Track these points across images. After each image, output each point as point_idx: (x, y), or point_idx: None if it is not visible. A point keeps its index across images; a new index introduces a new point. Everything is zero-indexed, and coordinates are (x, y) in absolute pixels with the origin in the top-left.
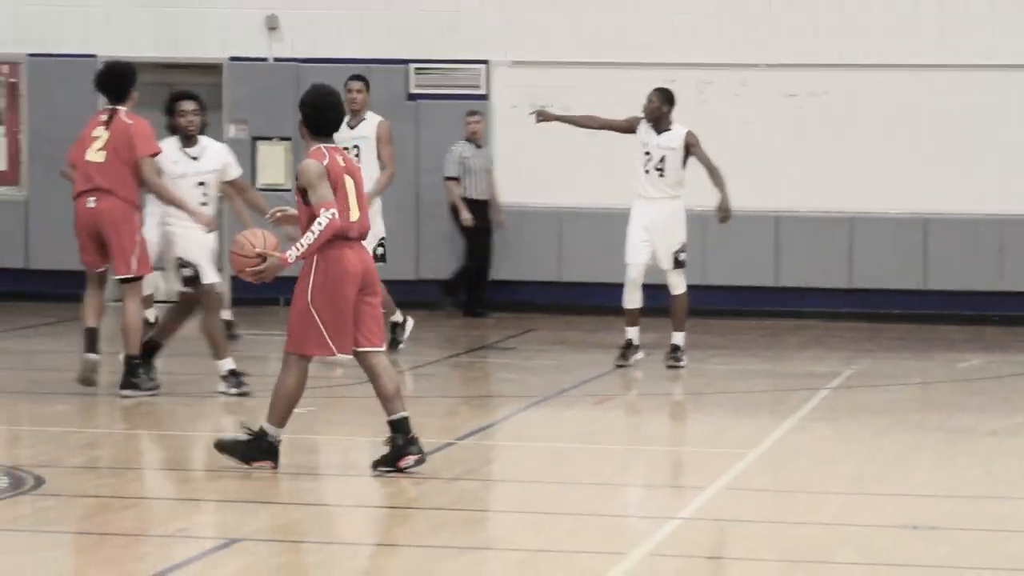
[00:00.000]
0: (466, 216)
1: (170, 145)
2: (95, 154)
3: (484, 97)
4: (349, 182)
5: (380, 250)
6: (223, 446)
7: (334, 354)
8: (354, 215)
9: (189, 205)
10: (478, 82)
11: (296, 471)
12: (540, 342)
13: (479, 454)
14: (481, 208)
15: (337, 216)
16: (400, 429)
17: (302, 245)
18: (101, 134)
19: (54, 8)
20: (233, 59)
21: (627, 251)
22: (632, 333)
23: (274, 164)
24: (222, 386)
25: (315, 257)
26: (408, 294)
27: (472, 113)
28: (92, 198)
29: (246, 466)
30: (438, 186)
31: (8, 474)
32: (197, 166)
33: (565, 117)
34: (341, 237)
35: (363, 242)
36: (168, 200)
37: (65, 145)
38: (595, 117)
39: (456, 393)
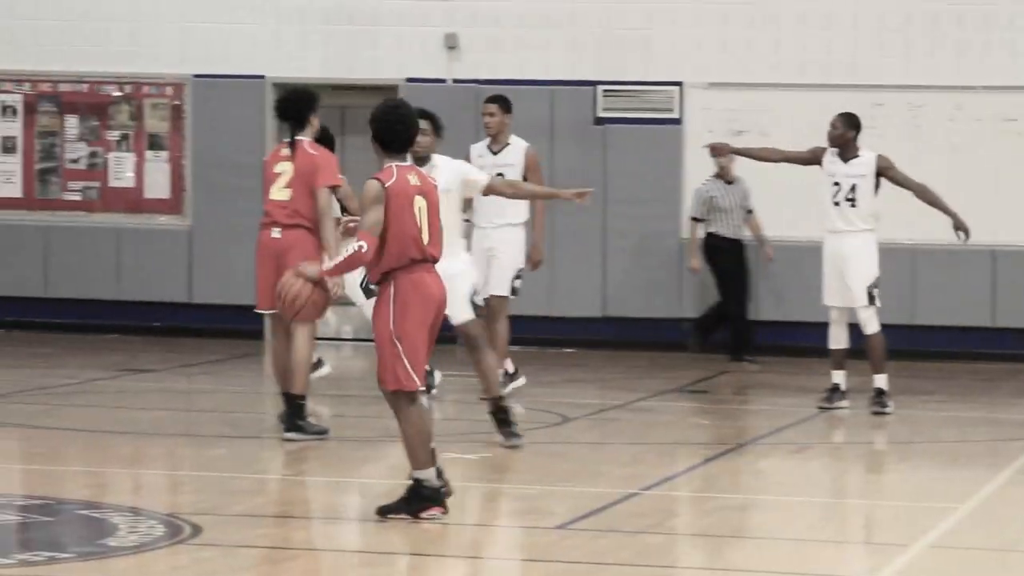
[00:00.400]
0: (694, 264)
1: None
2: (280, 192)
3: (677, 121)
4: (420, 202)
5: (518, 282)
6: (387, 510)
7: (417, 387)
8: (425, 238)
9: (332, 248)
10: (671, 105)
11: (478, 522)
12: (734, 385)
13: (665, 506)
14: (736, 247)
15: (366, 249)
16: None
17: (330, 266)
18: (285, 169)
19: (222, 27)
20: (410, 80)
21: (823, 292)
22: (838, 377)
23: None
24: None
25: (392, 283)
26: (593, 331)
27: (716, 153)
28: (277, 229)
29: (417, 520)
30: (627, 216)
31: (165, 522)
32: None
33: (742, 150)
34: (418, 260)
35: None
36: (325, 236)
37: (230, 172)
38: (775, 149)
39: (642, 439)
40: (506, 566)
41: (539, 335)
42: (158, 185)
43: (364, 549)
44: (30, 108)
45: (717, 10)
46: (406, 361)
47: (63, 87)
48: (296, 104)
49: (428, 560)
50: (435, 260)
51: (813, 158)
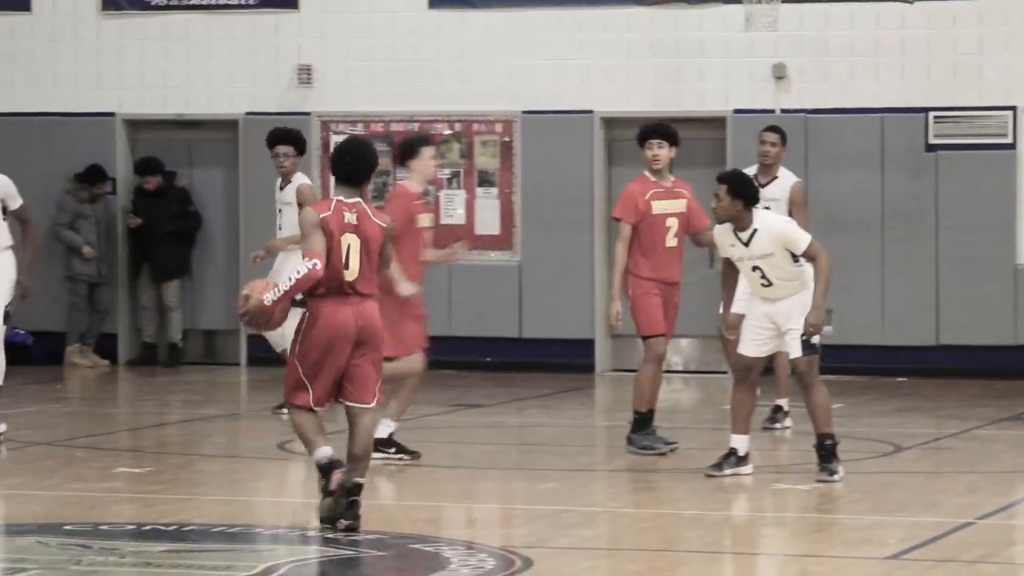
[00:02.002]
0: None
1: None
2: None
3: (1011, 146)
4: (351, 239)
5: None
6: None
7: (308, 404)
8: (349, 273)
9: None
10: (1004, 130)
11: (808, 552)
12: None
13: (1001, 535)
14: None
15: (319, 267)
16: (350, 492)
17: (279, 291)
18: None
19: (549, 64)
20: (737, 111)
21: None
22: None
23: None
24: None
25: (308, 308)
26: (926, 360)
27: None
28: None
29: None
30: (959, 243)
31: (497, 555)
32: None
33: None
34: (336, 291)
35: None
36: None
37: (559, 206)
38: None
39: (977, 468)
40: None
41: (871, 364)
42: (488, 221)
43: None
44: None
45: None
46: (302, 378)
47: (395, 127)
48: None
49: None
50: (362, 294)
51: None
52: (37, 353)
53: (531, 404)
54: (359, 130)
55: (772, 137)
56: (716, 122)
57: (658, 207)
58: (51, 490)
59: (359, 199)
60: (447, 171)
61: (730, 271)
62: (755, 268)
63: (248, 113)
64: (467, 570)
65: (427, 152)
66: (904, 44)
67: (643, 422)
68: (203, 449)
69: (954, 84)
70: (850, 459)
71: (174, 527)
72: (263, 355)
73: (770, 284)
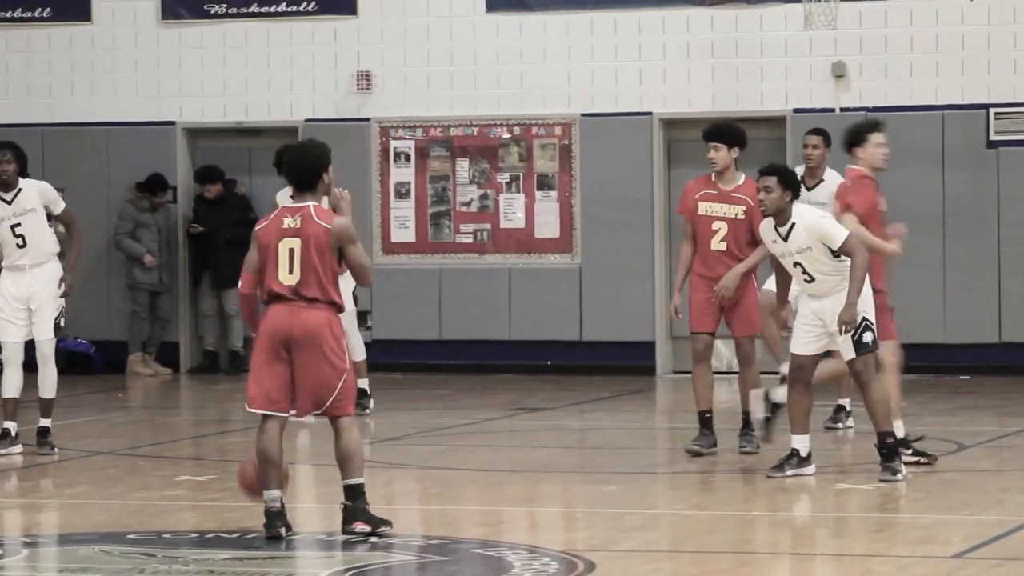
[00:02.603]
0: None
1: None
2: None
3: None
4: (292, 243)
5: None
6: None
7: (249, 407)
8: (287, 277)
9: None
10: None
11: (871, 552)
12: None
13: None
14: None
15: (240, 285)
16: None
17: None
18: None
19: (608, 65)
20: (797, 111)
21: None
22: None
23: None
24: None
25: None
26: (988, 357)
27: None
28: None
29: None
30: (1021, 239)
31: (559, 559)
32: None
33: None
34: (276, 296)
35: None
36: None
37: (619, 208)
38: None
39: None
40: None
41: (933, 362)
42: (548, 224)
43: None
44: (422, 153)
45: None
46: (249, 381)
47: (454, 131)
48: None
49: None
50: (306, 299)
51: None
52: (99, 362)
53: (592, 407)
54: (418, 135)
55: (814, 139)
56: (776, 122)
57: (704, 208)
58: (114, 499)
59: (310, 203)
60: (506, 175)
61: (781, 267)
62: (796, 264)
63: (308, 120)
64: (530, 574)
65: (875, 139)
66: (964, 41)
67: (701, 423)
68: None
69: (1015, 80)
70: (914, 459)
71: (237, 535)
72: None
73: (812, 279)
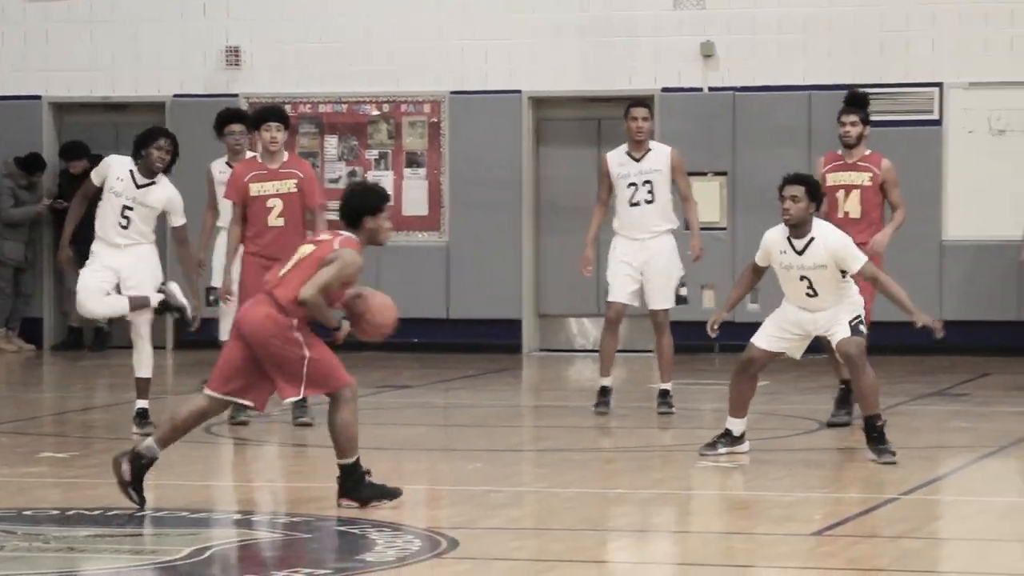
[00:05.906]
0: None
1: None
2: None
3: (937, 123)
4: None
5: (683, 291)
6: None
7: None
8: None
9: None
10: (930, 107)
11: (734, 530)
12: (996, 387)
13: (925, 510)
14: None
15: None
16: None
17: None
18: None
19: (478, 44)
20: (665, 90)
21: None
22: None
23: (708, 201)
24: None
25: None
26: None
27: None
28: None
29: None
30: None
31: (423, 537)
32: None
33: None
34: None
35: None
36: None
37: (487, 187)
38: None
39: (902, 444)
40: (764, 573)
41: None
42: (416, 202)
43: (605, 559)
44: (291, 130)
45: (976, 11)
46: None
47: (323, 108)
48: None
49: (689, 570)
50: (276, 298)
51: None
52: None
53: (458, 385)
54: (288, 111)
55: (642, 112)
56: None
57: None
58: None
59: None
60: (375, 152)
61: (752, 277)
62: (803, 278)
63: (176, 96)
64: (393, 552)
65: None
66: (832, 22)
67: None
68: (129, 434)
69: (882, 60)
70: (776, 436)
71: (99, 512)
72: (189, 338)
73: (816, 295)
